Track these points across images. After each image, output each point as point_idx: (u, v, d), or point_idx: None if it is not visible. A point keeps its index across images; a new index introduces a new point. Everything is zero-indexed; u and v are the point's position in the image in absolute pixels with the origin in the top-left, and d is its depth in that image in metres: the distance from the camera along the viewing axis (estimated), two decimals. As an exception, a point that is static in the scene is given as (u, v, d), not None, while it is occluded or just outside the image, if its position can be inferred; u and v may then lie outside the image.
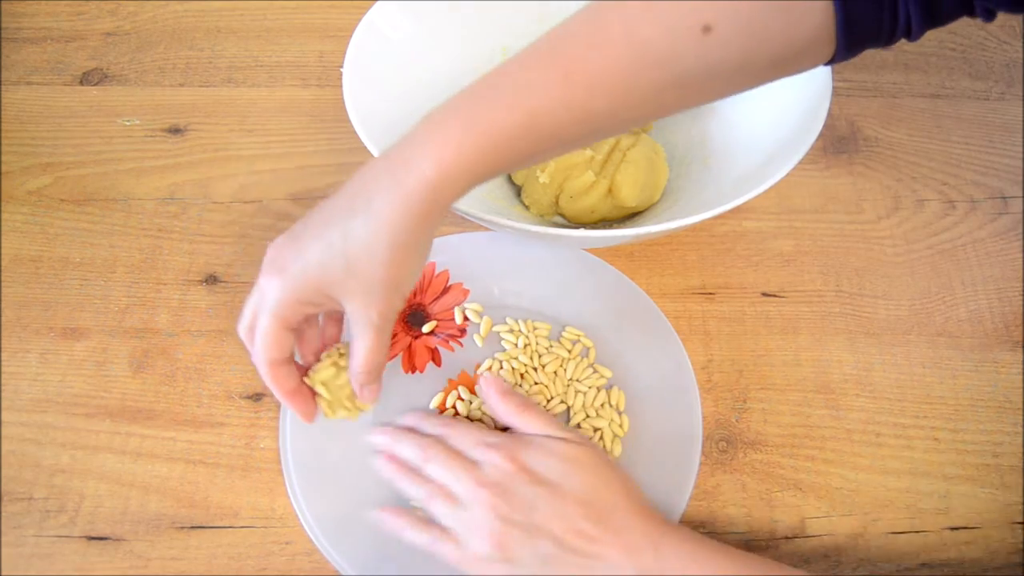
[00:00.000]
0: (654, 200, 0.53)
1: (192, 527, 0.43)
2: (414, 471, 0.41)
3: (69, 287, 0.51)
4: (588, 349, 0.49)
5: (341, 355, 0.42)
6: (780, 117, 0.49)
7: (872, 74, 0.62)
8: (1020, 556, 0.43)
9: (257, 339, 0.38)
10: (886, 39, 0.33)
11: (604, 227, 0.53)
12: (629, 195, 0.51)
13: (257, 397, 0.47)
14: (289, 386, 0.40)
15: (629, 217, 0.54)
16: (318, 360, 0.42)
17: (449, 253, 0.51)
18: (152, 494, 0.44)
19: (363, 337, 0.38)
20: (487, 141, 0.33)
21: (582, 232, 0.43)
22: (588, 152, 0.52)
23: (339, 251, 0.35)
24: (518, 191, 0.55)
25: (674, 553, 0.37)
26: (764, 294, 0.51)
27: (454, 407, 0.47)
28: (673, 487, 0.43)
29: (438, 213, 0.35)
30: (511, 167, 0.35)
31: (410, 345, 0.49)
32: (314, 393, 0.41)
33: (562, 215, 0.53)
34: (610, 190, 0.51)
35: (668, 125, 0.56)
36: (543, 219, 0.54)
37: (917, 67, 0.62)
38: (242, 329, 0.39)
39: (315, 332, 0.42)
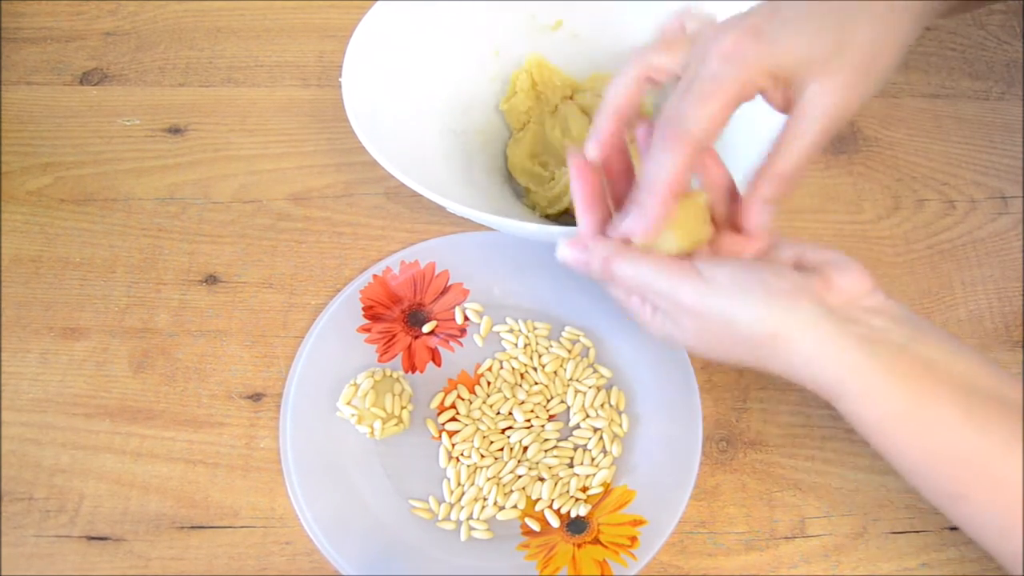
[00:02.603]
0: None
1: (192, 527, 0.43)
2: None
3: (69, 287, 0.51)
4: (588, 349, 0.49)
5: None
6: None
7: (872, 74, 0.62)
8: (1020, 556, 0.43)
9: (696, 89, 0.33)
10: None
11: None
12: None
13: (257, 397, 0.47)
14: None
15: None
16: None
17: (449, 253, 0.51)
18: (152, 494, 0.44)
19: (810, 131, 0.34)
20: None
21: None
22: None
23: (834, 28, 0.33)
24: (519, 192, 0.55)
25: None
26: (764, 294, 0.51)
27: (454, 406, 0.47)
28: (673, 487, 0.43)
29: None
30: None
31: (410, 345, 0.49)
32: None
33: (568, 211, 0.53)
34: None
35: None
36: (545, 219, 0.54)
37: (917, 67, 0.62)
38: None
39: None
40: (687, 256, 0.36)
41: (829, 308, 0.33)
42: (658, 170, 0.34)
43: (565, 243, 0.37)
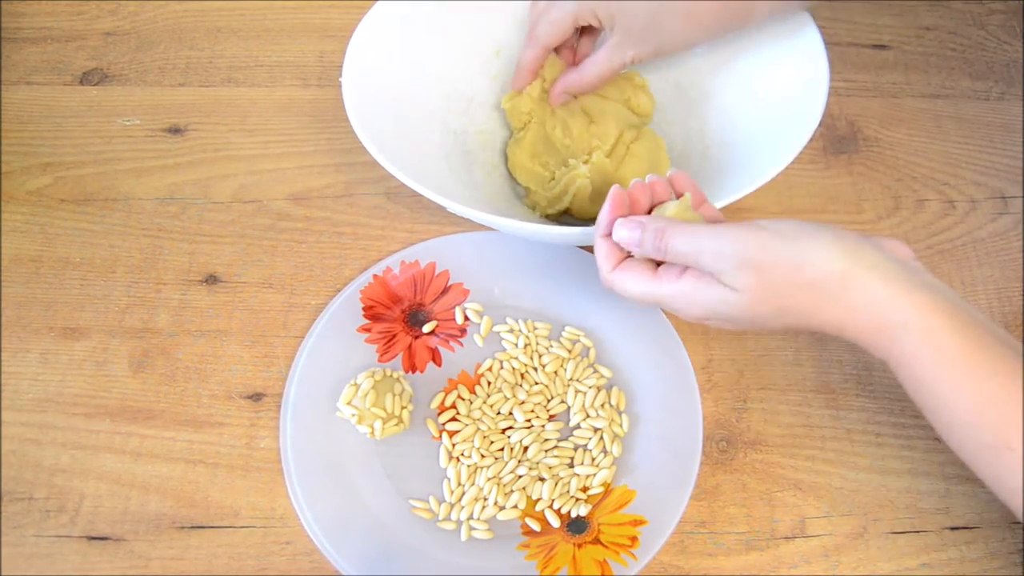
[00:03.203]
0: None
1: (192, 527, 0.43)
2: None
3: (69, 287, 0.51)
4: (588, 349, 0.49)
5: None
6: (777, 105, 0.49)
7: (872, 74, 0.62)
8: (1020, 556, 0.43)
9: (543, 23, 0.50)
10: None
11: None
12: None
13: (257, 397, 0.47)
14: (534, 67, 0.52)
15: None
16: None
17: (449, 253, 0.51)
18: (152, 494, 0.44)
19: (605, 62, 0.50)
20: None
21: (582, 231, 0.43)
22: (595, 141, 0.53)
23: None
24: (519, 192, 0.55)
25: None
26: (764, 294, 0.51)
27: (454, 406, 0.47)
28: (673, 487, 0.43)
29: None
30: None
31: (410, 345, 0.49)
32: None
33: (568, 211, 0.53)
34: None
35: (666, 118, 0.56)
36: (545, 219, 0.54)
37: (917, 67, 0.62)
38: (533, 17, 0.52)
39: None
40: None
41: (889, 256, 0.35)
42: (522, 57, 0.52)
43: (620, 222, 0.39)
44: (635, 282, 0.39)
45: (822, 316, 0.36)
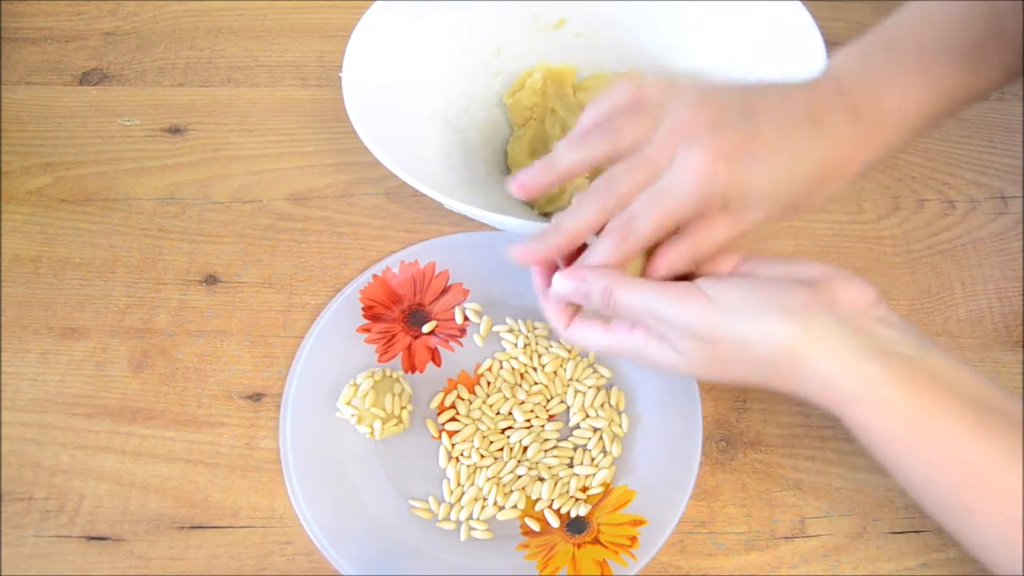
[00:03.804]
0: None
1: (192, 527, 0.43)
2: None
3: (69, 287, 0.51)
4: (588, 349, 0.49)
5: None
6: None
7: (872, 74, 0.62)
8: (1020, 556, 0.43)
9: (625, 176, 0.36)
10: None
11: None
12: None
13: (257, 397, 0.47)
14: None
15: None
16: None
17: (449, 253, 0.51)
18: (152, 494, 0.44)
19: (726, 232, 0.36)
20: None
21: None
22: None
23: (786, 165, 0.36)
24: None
25: None
26: (764, 294, 0.51)
27: (453, 406, 0.47)
28: (673, 487, 0.43)
29: None
30: None
31: (410, 345, 0.49)
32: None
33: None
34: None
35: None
36: (545, 218, 0.54)
37: (917, 67, 0.62)
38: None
39: None
40: (690, 277, 0.37)
41: (841, 319, 0.33)
42: (597, 257, 0.36)
43: (562, 275, 0.37)
44: (593, 336, 0.38)
45: (772, 384, 0.35)
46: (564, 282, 0.37)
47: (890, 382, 0.32)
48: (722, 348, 0.34)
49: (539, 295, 0.39)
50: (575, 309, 0.39)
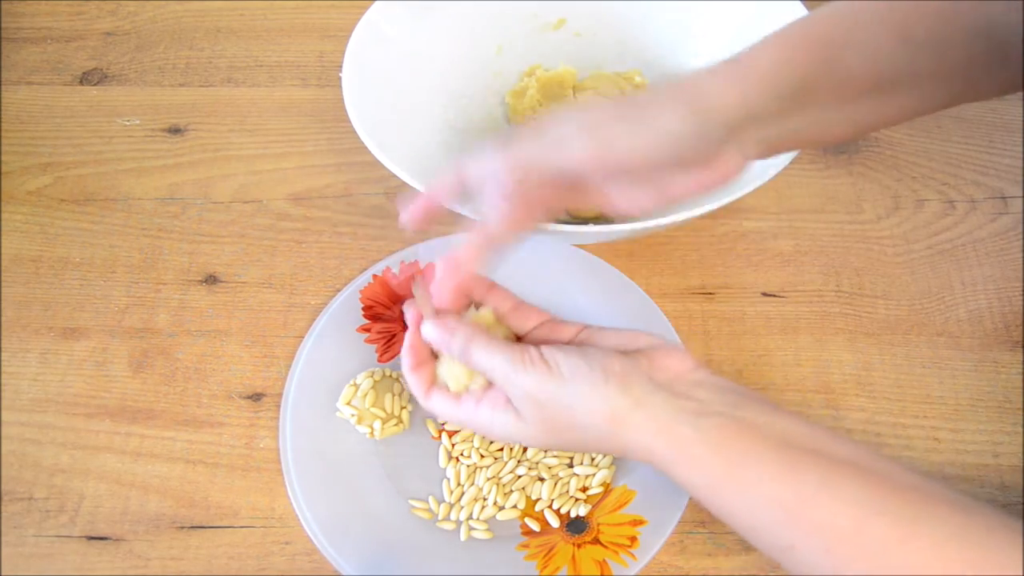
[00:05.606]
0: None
1: (192, 527, 0.43)
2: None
3: (69, 287, 0.51)
4: (588, 349, 0.49)
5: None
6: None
7: (872, 74, 0.62)
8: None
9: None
10: None
11: (603, 223, 0.53)
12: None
13: (257, 397, 0.47)
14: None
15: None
16: None
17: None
18: (152, 494, 0.44)
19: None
20: None
21: (579, 228, 0.43)
22: None
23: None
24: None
25: None
26: (764, 294, 0.51)
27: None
28: (673, 487, 0.43)
29: None
30: None
31: (410, 345, 0.49)
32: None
33: (567, 211, 0.53)
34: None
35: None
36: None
37: (917, 67, 0.62)
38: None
39: None
40: (536, 343, 0.39)
41: (658, 385, 0.36)
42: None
43: (431, 323, 0.39)
44: (443, 407, 0.39)
45: (602, 447, 0.37)
46: (433, 330, 0.39)
47: (702, 442, 0.34)
48: (555, 413, 0.36)
49: (403, 355, 0.40)
50: (431, 382, 0.40)
